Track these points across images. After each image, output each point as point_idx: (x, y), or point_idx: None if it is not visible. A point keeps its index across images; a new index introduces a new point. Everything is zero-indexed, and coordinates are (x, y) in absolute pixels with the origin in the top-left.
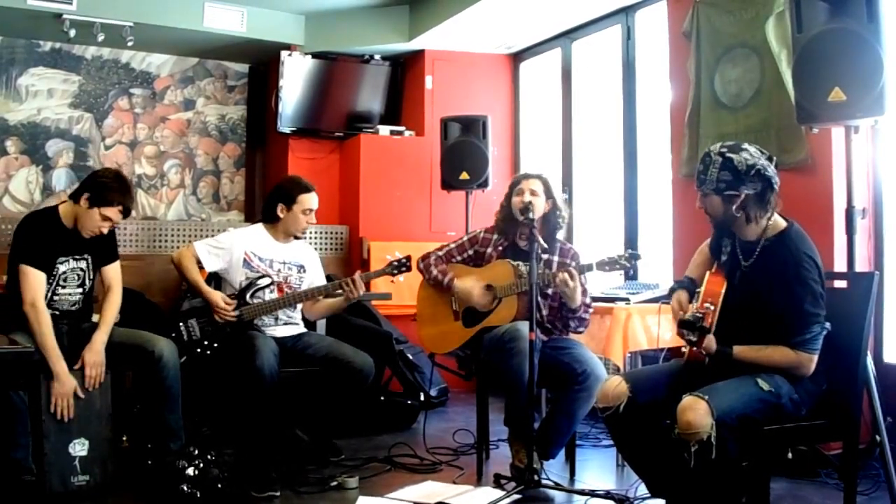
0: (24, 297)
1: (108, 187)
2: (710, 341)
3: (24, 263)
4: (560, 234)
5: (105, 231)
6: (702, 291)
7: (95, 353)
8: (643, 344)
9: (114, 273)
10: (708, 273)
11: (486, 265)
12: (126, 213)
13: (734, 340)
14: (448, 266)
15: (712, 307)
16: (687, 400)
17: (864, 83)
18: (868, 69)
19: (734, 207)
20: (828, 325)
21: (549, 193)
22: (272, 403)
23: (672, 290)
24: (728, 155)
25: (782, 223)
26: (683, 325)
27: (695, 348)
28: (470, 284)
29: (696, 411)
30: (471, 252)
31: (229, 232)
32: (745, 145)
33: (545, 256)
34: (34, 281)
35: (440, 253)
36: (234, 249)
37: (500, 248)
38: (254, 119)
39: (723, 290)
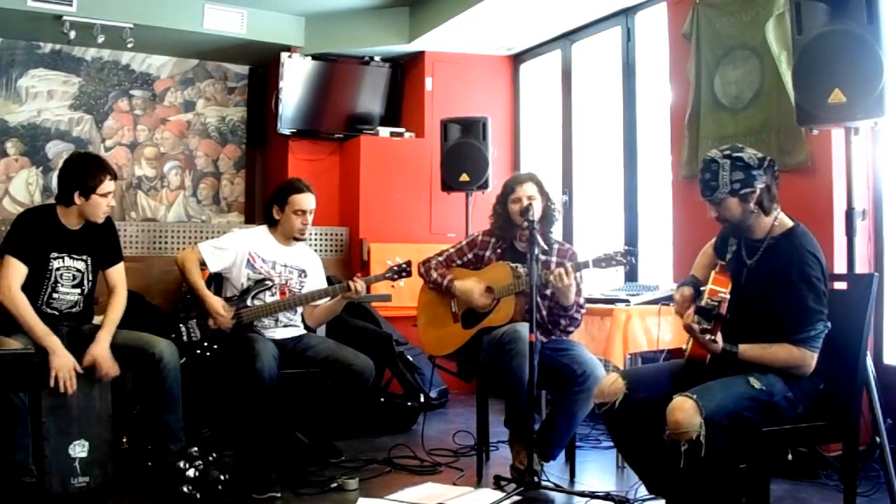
0: (0, 285)
1: (88, 171)
2: (718, 338)
3: (8, 254)
4: (558, 234)
5: (114, 204)
6: (706, 290)
7: (102, 349)
8: (643, 345)
9: (118, 275)
10: (713, 272)
11: (484, 268)
12: (115, 177)
13: (739, 339)
14: (448, 270)
15: (727, 296)
16: (676, 400)
17: (865, 85)
18: (868, 71)
19: (751, 204)
20: (829, 323)
21: (542, 192)
22: (272, 407)
23: (679, 287)
24: (735, 155)
25: (788, 223)
26: (699, 313)
27: (707, 336)
28: (470, 285)
29: (685, 411)
30: (470, 256)
31: (234, 232)
32: (739, 145)
33: (543, 257)
34: (13, 270)
35: (440, 258)
36: (237, 249)
37: (499, 250)
38: (254, 120)
39: (728, 289)
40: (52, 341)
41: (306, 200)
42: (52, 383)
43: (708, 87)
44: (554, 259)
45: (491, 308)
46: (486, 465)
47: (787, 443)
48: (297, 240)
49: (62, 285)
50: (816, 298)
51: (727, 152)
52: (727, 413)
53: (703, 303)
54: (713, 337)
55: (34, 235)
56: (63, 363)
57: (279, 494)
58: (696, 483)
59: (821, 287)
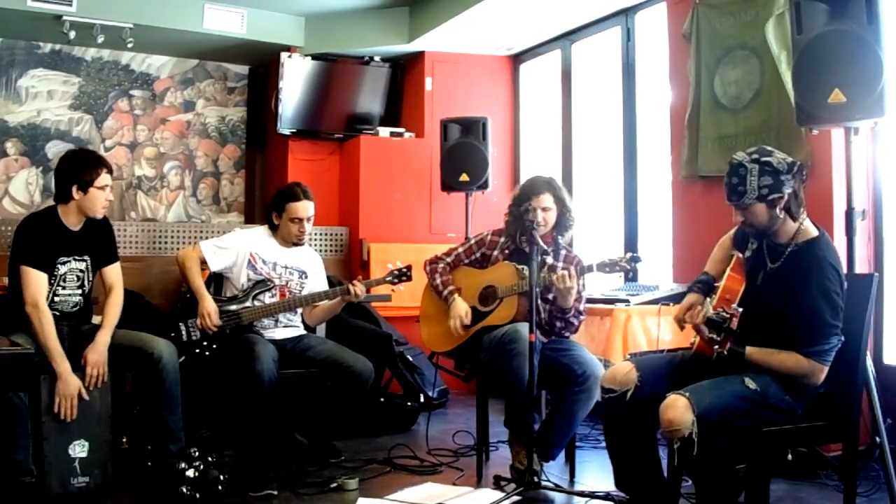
0: (26, 298)
1: (84, 166)
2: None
3: (25, 265)
4: (566, 237)
5: (112, 198)
6: (721, 287)
7: (98, 354)
8: (643, 345)
9: (115, 274)
10: (728, 269)
11: (490, 267)
12: (111, 170)
13: (746, 340)
14: (455, 271)
15: (740, 309)
16: (669, 399)
17: (864, 85)
18: (868, 71)
19: (778, 210)
20: (843, 337)
21: (558, 200)
22: (271, 408)
23: (689, 290)
24: (764, 159)
25: (813, 231)
26: (710, 324)
27: (716, 346)
28: (461, 310)
29: (677, 409)
30: (478, 255)
31: (236, 232)
32: (767, 147)
33: (549, 261)
34: (36, 282)
35: (448, 259)
36: (239, 249)
37: (506, 251)
38: (254, 121)
39: (742, 289)
40: (64, 367)
41: (303, 209)
42: (55, 409)
43: (708, 87)
44: (560, 264)
45: (493, 307)
46: (485, 465)
47: (787, 443)
48: (295, 245)
49: (66, 287)
50: (833, 313)
51: (755, 156)
52: (720, 411)
53: (714, 313)
54: (721, 350)
55: (42, 241)
56: (69, 391)
57: (276, 492)
58: (696, 483)
59: (838, 302)
